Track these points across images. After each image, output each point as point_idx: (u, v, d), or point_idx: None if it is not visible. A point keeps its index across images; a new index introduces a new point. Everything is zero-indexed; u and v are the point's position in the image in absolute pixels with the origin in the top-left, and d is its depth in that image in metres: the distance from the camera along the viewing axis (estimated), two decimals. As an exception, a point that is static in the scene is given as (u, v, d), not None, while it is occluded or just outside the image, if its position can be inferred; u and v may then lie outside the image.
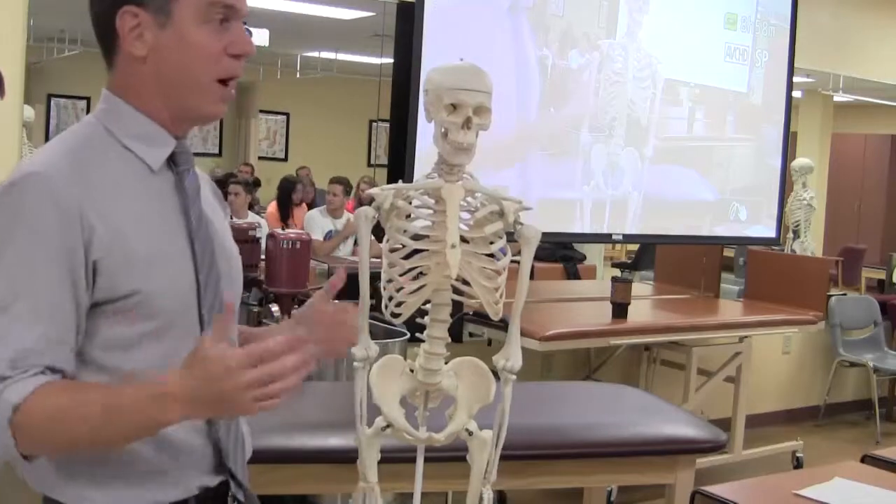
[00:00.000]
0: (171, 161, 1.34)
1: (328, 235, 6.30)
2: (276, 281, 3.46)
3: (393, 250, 1.59)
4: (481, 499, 1.67)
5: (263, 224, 6.14)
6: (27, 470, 1.25)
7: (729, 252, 6.23)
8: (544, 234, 1.62)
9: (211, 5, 1.26)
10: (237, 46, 1.29)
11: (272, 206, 7.31)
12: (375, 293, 1.60)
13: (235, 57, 1.30)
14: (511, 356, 1.64)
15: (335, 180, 6.50)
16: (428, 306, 1.61)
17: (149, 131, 1.31)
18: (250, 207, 6.52)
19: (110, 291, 1.22)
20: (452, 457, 1.70)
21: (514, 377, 1.64)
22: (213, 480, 1.35)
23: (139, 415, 1.16)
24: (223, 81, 1.30)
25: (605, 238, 4.95)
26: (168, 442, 1.28)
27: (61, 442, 1.19)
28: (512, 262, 1.64)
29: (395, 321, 1.62)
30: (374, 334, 1.65)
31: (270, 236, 3.57)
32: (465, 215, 1.59)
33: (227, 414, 1.27)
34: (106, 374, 1.24)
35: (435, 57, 3.80)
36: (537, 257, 1.63)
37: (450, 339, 1.63)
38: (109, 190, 1.24)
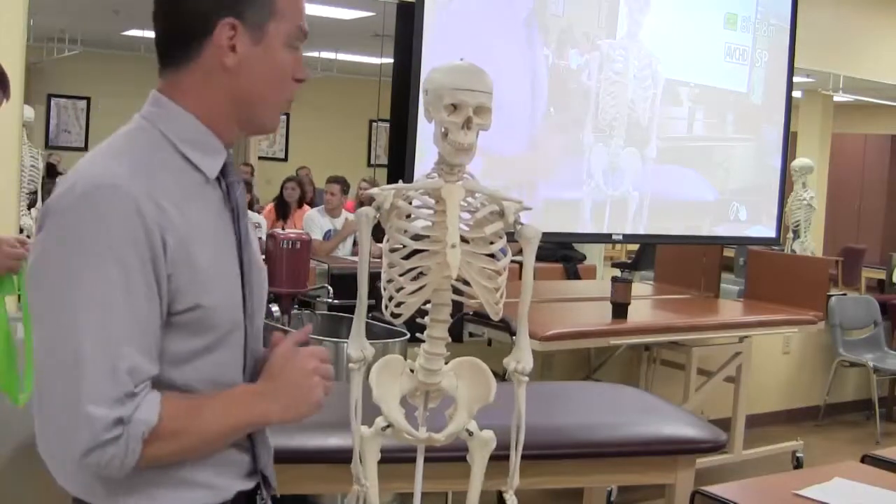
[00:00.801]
0: (221, 172, 1.36)
1: (327, 235, 6.30)
2: (276, 281, 3.45)
3: (393, 250, 1.59)
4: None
5: (263, 223, 6.14)
6: (71, 478, 1.28)
7: (729, 252, 6.23)
8: (544, 234, 1.62)
9: (298, 33, 1.34)
10: (301, 72, 1.36)
11: (270, 207, 7.31)
12: (375, 293, 1.60)
13: (298, 81, 1.36)
14: (522, 358, 1.64)
15: (332, 180, 6.50)
16: (428, 306, 1.61)
17: (205, 139, 1.32)
18: (250, 207, 6.51)
19: (174, 305, 1.24)
20: (452, 457, 1.71)
21: (526, 379, 1.65)
22: (248, 485, 1.39)
23: (244, 417, 1.30)
24: (287, 101, 1.37)
25: (605, 238, 4.95)
26: (212, 454, 1.32)
27: (182, 451, 1.26)
28: (512, 262, 1.64)
29: (395, 321, 1.62)
30: (375, 334, 1.66)
31: (270, 236, 3.57)
32: (466, 215, 1.59)
33: (299, 407, 1.34)
34: (167, 388, 1.26)
35: (435, 57, 3.80)
36: (537, 257, 1.63)
37: (450, 339, 1.63)
38: (175, 202, 1.24)
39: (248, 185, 6.69)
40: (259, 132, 1.44)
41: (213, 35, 1.29)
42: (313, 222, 6.29)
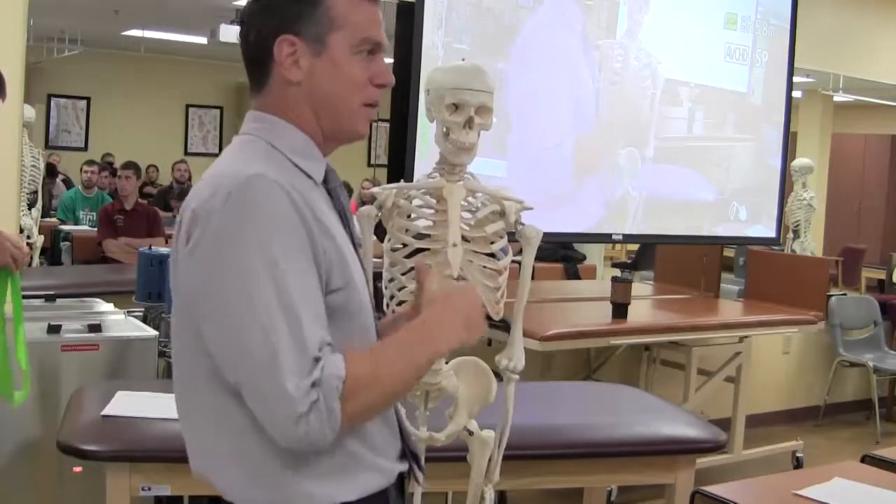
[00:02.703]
0: (324, 178, 1.42)
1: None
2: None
3: (394, 249, 1.59)
4: (483, 498, 1.68)
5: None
6: (239, 487, 1.34)
7: (729, 252, 6.23)
8: (545, 234, 1.62)
9: (363, 41, 1.38)
10: (381, 77, 1.41)
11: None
12: (377, 292, 1.60)
13: (379, 86, 1.41)
14: (514, 356, 1.64)
15: None
16: (429, 306, 1.61)
17: (308, 146, 1.39)
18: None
19: (330, 282, 1.31)
20: (452, 457, 1.71)
21: (517, 377, 1.65)
22: (404, 466, 1.45)
23: (424, 346, 1.35)
24: (367, 105, 1.42)
25: (605, 238, 4.95)
26: (370, 435, 1.38)
27: (379, 398, 1.31)
28: (512, 261, 1.64)
29: (395, 321, 1.62)
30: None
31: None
32: (467, 215, 1.59)
33: (467, 331, 1.40)
34: None
35: (435, 57, 3.80)
36: (537, 257, 1.63)
37: (450, 339, 1.63)
38: (305, 195, 1.31)
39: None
40: (348, 138, 1.46)
41: (273, 53, 1.36)
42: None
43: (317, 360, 1.25)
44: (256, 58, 1.39)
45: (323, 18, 1.36)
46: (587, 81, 4.35)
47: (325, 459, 1.32)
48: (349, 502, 1.35)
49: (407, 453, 1.46)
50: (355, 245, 1.42)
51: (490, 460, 1.67)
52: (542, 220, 1.66)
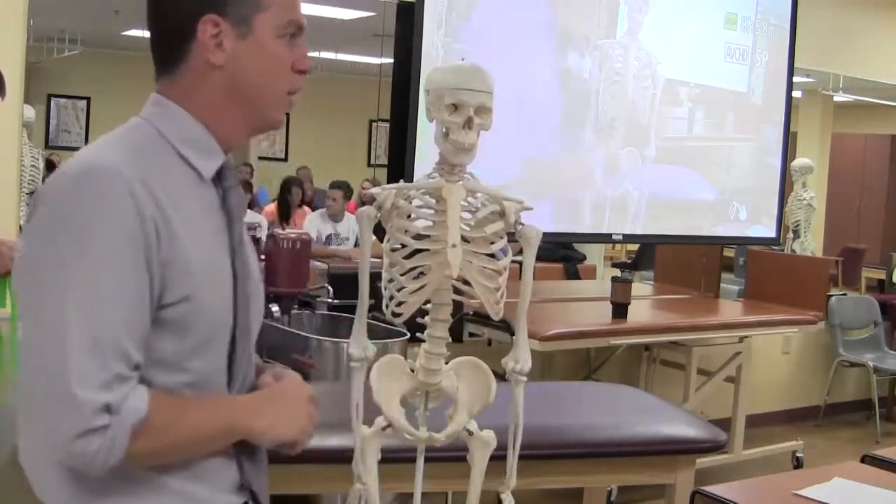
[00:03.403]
0: (217, 175, 1.34)
1: (328, 240, 6.31)
2: (276, 281, 3.46)
3: (394, 250, 1.59)
4: (499, 501, 1.68)
5: (263, 223, 6.14)
6: (50, 488, 1.26)
7: (729, 252, 6.23)
8: (544, 234, 1.62)
9: (289, 23, 1.32)
10: (302, 63, 1.35)
11: (270, 207, 7.31)
12: (376, 293, 1.60)
13: (300, 72, 1.35)
14: (520, 358, 1.64)
15: (335, 185, 6.51)
16: (428, 306, 1.61)
17: (202, 139, 1.31)
18: (251, 207, 6.52)
19: (164, 295, 1.21)
20: (452, 457, 1.70)
21: (524, 379, 1.65)
22: (235, 501, 1.35)
23: (230, 422, 1.28)
24: (290, 93, 1.36)
25: (605, 238, 4.95)
26: (192, 462, 1.29)
27: (166, 450, 1.23)
28: (512, 262, 1.64)
29: (395, 321, 1.62)
30: (375, 334, 1.66)
31: (270, 236, 3.56)
32: (466, 215, 1.59)
33: (287, 427, 1.34)
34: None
35: (435, 57, 3.80)
36: (537, 257, 1.63)
37: (450, 339, 1.63)
38: (170, 194, 1.23)
39: (248, 186, 6.69)
40: (266, 128, 1.41)
41: (196, 34, 1.28)
42: (313, 226, 6.30)
43: (120, 379, 1.16)
44: (173, 34, 1.30)
45: None
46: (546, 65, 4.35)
47: (123, 477, 1.21)
48: None
49: (245, 487, 1.35)
50: (233, 250, 1.31)
51: (492, 460, 1.67)
52: (543, 221, 1.66)
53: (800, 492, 2.15)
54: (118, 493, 1.23)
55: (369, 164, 11.43)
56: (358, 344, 1.61)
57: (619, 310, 4.13)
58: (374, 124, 10.96)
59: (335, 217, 6.40)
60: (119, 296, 1.17)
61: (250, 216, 6.04)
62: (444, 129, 1.53)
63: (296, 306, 3.59)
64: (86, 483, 1.22)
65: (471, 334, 4.01)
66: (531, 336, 3.49)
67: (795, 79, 5.27)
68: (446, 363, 1.64)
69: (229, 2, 1.28)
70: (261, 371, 1.44)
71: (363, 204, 1.86)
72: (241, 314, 1.31)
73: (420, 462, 1.68)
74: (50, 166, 7.94)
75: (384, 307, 1.61)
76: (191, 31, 1.28)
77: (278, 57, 1.31)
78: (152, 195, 1.20)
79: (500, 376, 1.68)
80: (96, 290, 1.16)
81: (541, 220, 1.60)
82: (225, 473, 1.33)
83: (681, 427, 2.71)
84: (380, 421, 1.63)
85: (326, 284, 3.87)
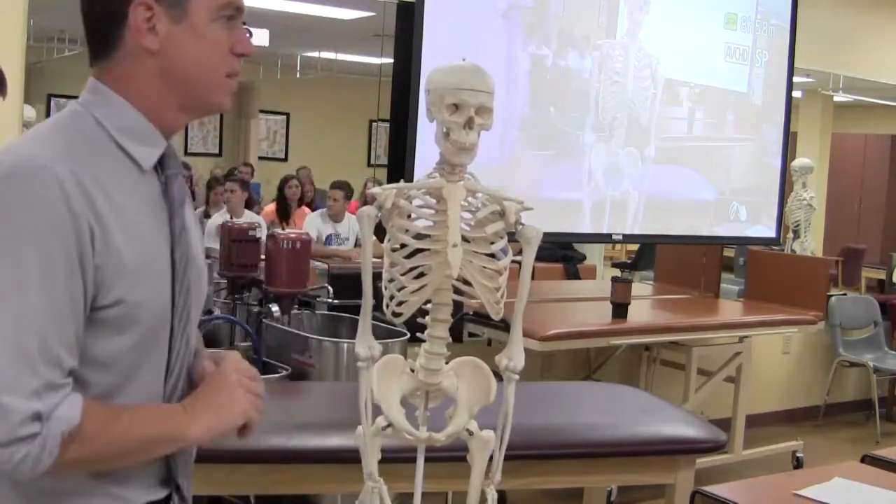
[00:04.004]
0: (160, 164, 1.30)
1: (328, 240, 6.31)
2: (276, 281, 3.46)
3: (394, 249, 1.59)
4: (484, 499, 1.67)
5: (263, 224, 6.14)
6: None
7: (729, 252, 6.23)
8: (545, 235, 1.62)
9: (225, 5, 1.28)
10: (241, 46, 1.30)
11: (270, 207, 7.31)
12: (376, 293, 1.60)
13: (239, 55, 1.31)
14: (514, 356, 1.64)
15: (335, 185, 6.50)
16: (429, 306, 1.61)
17: (141, 127, 1.27)
18: (249, 207, 6.52)
19: (98, 299, 1.18)
20: (452, 457, 1.70)
21: (516, 377, 1.64)
22: (158, 494, 1.31)
23: (163, 429, 1.25)
24: (230, 76, 1.31)
25: (605, 238, 4.95)
26: None
27: (96, 459, 1.21)
28: (512, 262, 1.64)
29: (396, 321, 1.62)
30: (375, 334, 1.65)
31: (270, 236, 3.57)
32: (467, 215, 1.59)
33: (221, 422, 1.29)
34: (85, 390, 1.20)
35: (435, 57, 3.80)
36: (537, 257, 1.63)
37: (450, 339, 1.63)
38: (104, 189, 1.19)
39: (245, 184, 6.68)
40: (208, 112, 1.37)
41: (128, 18, 1.24)
42: (313, 226, 6.29)
43: (51, 387, 1.13)
44: (103, 22, 1.25)
45: None
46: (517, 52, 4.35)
47: (41, 480, 1.18)
48: None
49: (171, 481, 1.32)
50: (174, 241, 1.28)
51: (491, 460, 1.67)
52: (543, 221, 1.66)
53: (800, 492, 2.16)
54: (31, 494, 1.21)
55: (369, 164, 11.43)
56: (364, 343, 1.61)
57: (619, 310, 4.13)
58: (374, 124, 10.95)
59: (335, 217, 6.40)
60: (49, 300, 1.13)
61: (249, 216, 6.04)
62: (444, 129, 1.53)
63: (296, 306, 3.59)
64: (11, 482, 1.20)
65: (471, 334, 4.01)
66: (531, 336, 3.50)
67: (795, 79, 5.27)
68: (446, 363, 1.64)
69: None
70: (199, 355, 1.40)
71: (365, 203, 1.86)
72: (180, 305, 1.28)
73: (420, 462, 1.68)
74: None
75: (384, 307, 1.61)
76: (123, 15, 1.24)
77: (214, 40, 1.27)
78: (86, 193, 1.16)
79: (500, 376, 1.68)
80: (24, 294, 1.12)
81: (541, 220, 1.60)
82: (151, 469, 1.30)
83: (681, 427, 2.71)
84: (380, 421, 1.63)
85: (326, 284, 3.87)
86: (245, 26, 1.33)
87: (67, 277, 1.14)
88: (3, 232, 1.13)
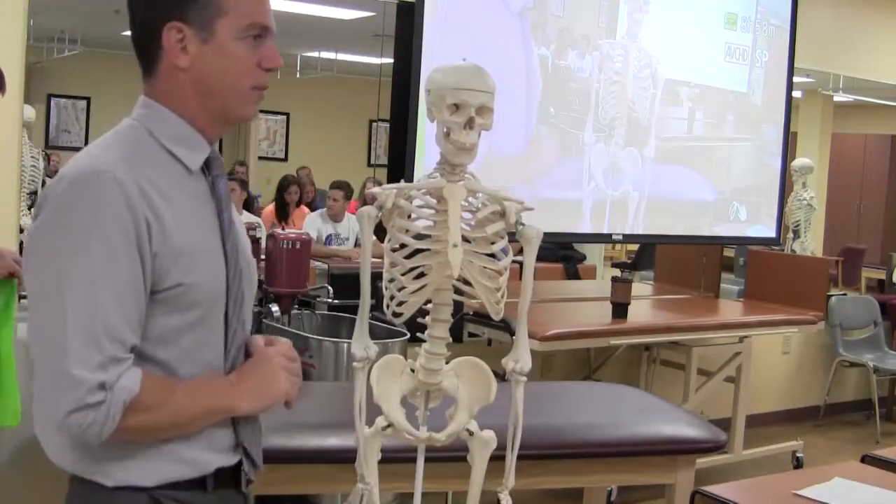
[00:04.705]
0: (206, 166, 1.45)
1: (328, 240, 6.31)
2: (276, 281, 3.46)
3: (395, 249, 1.59)
4: (498, 502, 1.68)
5: (262, 224, 6.14)
6: (57, 451, 1.38)
7: (729, 252, 6.23)
8: (545, 235, 1.62)
9: (249, 26, 1.41)
10: (269, 61, 1.44)
11: (269, 208, 7.30)
12: (376, 293, 1.60)
13: (267, 70, 1.45)
14: (520, 358, 1.64)
15: (335, 185, 6.50)
16: (429, 306, 1.61)
17: (187, 135, 1.43)
18: (248, 208, 6.51)
19: (159, 283, 1.34)
20: (453, 457, 1.71)
21: (524, 379, 1.65)
22: (229, 460, 1.45)
23: (214, 403, 1.40)
24: (256, 88, 1.45)
25: (605, 238, 4.95)
26: None
27: (155, 427, 1.35)
28: (512, 262, 1.64)
29: (396, 321, 1.62)
30: (375, 334, 1.65)
31: (270, 236, 3.56)
32: (467, 215, 1.59)
33: (265, 398, 1.44)
34: (150, 364, 1.35)
35: (435, 57, 3.80)
36: (537, 257, 1.63)
37: (450, 339, 1.63)
38: (159, 189, 1.35)
39: (244, 184, 6.68)
40: (235, 121, 1.51)
41: (163, 40, 1.40)
42: (313, 225, 6.29)
43: (115, 361, 1.29)
44: (145, 45, 1.42)
45: (210, 5, 1.39)
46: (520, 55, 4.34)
47: (120, 447, 1.34)
48: (146, 487, 1.37)
49: (239, 446, 1.46)
50: (224, 232, 1.44)
51: (500, 463, 1.67)
52: (543, 221, 1.65)
53: (800, 492, 2.16)
54: (117, 457, 1.36)
55: (369, 164, 11.43)
56: (360, 344, 1.61)
57: (619, 310, 4.13)
58: (374, 124, 10.95)
59: (335, 217, 6.40)
60: (113, 286, 1.29)
61: (247, 217, 6.03)
62: (445, 129, 1.53)
63: (296, 306, 3.58)
64: (88, 448, 1.35)
65: (471, 334, 4.01)
66: (531, 336, 3.49)
67: (795, 79, 5.27)
68: (447, 363, 1.64)
69: (191, 9, 1.39)
70: (253, 337, 1.54)
71: (365, 203, 1.86)
72: (234, 289, 1.43)
73: (420, 462, 1.68)
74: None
75: (385, 307, 1.61)
76: (158, 37, 1.40)
77: (238, 57, 1.41)
78: (143, 193, 1.32)
79: (500, 376, 1.68)
80: (92, 282, 1.28)
81: (541, 220, 1.60)
82: (220, 435, 1.43)
83: (681, 427, 2.71)
84: (380, 421, 1.63)
85: (326, 284, 3.87)
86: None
87: (129, 265, 1.30)
88: (74, 229, 1.30)
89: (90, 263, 1.29)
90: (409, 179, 3.57)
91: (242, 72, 1.42)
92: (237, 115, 1.48)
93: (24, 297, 1.45)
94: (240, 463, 1.46)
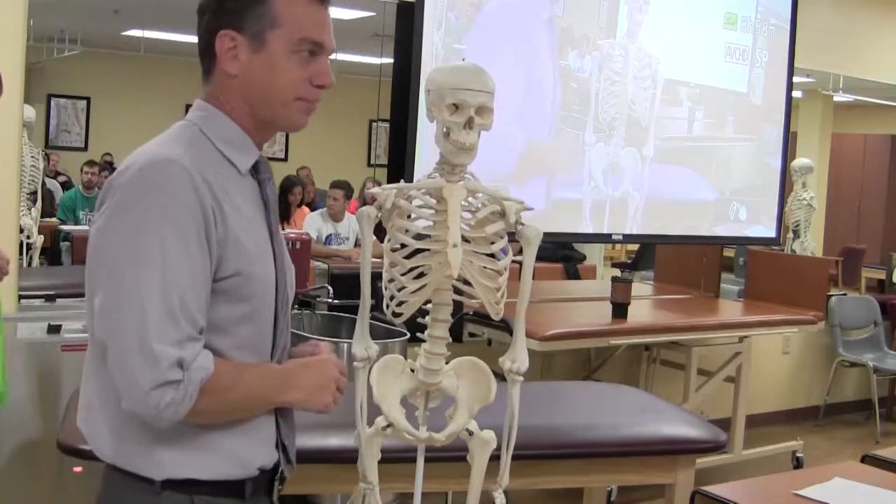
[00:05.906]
0: (254, 169, 1.50)
1: (328, 240, 6.31)
2: (276, 281, 3.45)
3: (394, 249, 1.59)
4: (493, 502, 1.68)
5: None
6: (107, 441, 1.41)
7: (729, 252, 6.23)
8: (545, 235, 1.62)
9: (302, 41, 1.44)
10: (320, 78, 1.48)
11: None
12: (376, 293, 1.60)
13: (318, 87, 1.49)
14: (517, 358, 1.64)
15: (336, 185, 6.50)
16: (429, 306, 1.61)
17: (238, 138, 1.47)
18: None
19: (219, 270, 1.38)
20: (452, 457, 1.71)
21: (521, 379, 1.64)
22: (271, 458, 1.49)
23: (274, 390, 1.45)
24: (300, 99, 1.48)
25: (605, 238, 4.95)
26: (239, 422, 1.44)
27: (224, 410, 1.39)
28: (512, 262, 1.64)
29: (396, 321, 1.62)
30: (375, 334, 1.65)
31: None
32: (467, 215, 1.59)
33: (314, 402, 1.48)
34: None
35: (435, 57, 3.80)
36: (537, 257, 1.63)
37: (450, 339, 1.63)
38: (219, 183, 1.40)
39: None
40: (285, 129, 1.56)
41: (215, 47, 1.45)
42: (313, 225, 6.29)
43: (192, 339, 1.33)
44: (204, 50, 1.47)
45: (264, 16, 1.42)
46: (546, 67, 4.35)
47: (174, 434, 1.37)
48: (201, 480, 1.40)
49: (279, 445, 1.50)
50: (272, 232, 1.49)
51: (496, 462, 1.67)
52: (543, 221, 1.66)
53: (800, 492, 2.16)
54: (164, 448, 1.39)
55: (369, 164, 11.43)
56: (361, 344, 1.61)
57: (619, 310, 4.13)
58: (374, 124, 10.95)
59: (336, 217, 6.39)
60: (186, 267, 1.33)
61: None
62: (444, 129, 1.53)
63: (296, 306, 3.58)
64: (133, 439, 1.39)
65: (471, 334, 4.01)
66: (531, 336, 3.50)
67: (795, 79, 5.27)
68: (446, 363, 1.64)
69: (246, 19, 1.43)
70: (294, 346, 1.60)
71: (365, 204, 1.87)
72: (281, 287, 1.48)
73: (420, 462, 1.68)
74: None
75: (385, 307, 1.61)
76: (213, 43, 1.45)
77: (286, 70, 1.44)
78: (207, 183, 1.37)
79: (500, 376, 1.68)
80: (167, 261, 1.32)
81: (540, 220, 1.60)
82: (264, 431, 1.48)
83: (681, 427, 2.71)
84: (380, 421, 1.63)
85: (326, 284, 3.87)
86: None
87: (198, 249, 1.35)
88: (145, 212, 1.33)
89: (165, 244, 1.32)
90: (409, 179, 3.57)
91: (289, 84, 1.45)
92: (285, 124, 1.52)
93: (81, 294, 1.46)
94: (276, 466, 1.50)
